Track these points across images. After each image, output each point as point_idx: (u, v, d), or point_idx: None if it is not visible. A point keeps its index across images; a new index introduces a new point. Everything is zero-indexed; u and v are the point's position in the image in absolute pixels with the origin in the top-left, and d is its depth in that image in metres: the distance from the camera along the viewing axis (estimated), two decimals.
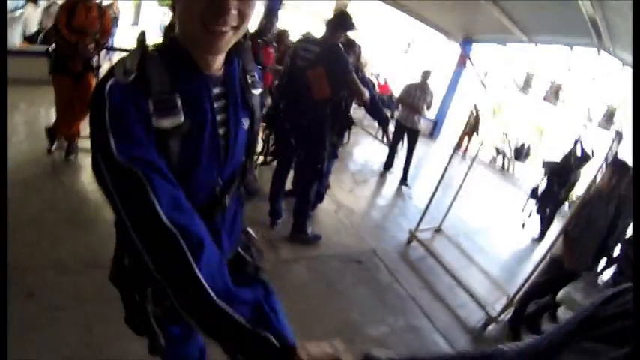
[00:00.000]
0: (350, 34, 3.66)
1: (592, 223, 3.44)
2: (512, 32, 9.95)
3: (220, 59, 0.96)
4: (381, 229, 4.83)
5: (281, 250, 3.69)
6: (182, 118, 0.86)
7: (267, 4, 7.41)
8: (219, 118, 0.96)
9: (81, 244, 2.87)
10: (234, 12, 0.81)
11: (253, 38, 4.28)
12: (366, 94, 3.59)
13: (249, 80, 1.06)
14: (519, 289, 3.86)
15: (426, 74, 6.73)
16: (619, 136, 3.81)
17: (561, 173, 5.80)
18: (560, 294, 3.80)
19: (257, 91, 1.08)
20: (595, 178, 3.76)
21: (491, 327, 3.73)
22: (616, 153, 3.77)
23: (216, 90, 0.95)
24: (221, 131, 0.97)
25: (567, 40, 9.78)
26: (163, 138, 0.84)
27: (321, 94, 3.37)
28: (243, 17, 0.84)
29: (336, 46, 3.42)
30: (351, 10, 9.10)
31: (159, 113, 0.83)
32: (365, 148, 8.51)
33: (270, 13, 5.17)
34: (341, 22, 3.49)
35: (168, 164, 0.84)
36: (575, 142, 5.60)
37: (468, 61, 11.61)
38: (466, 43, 11.80)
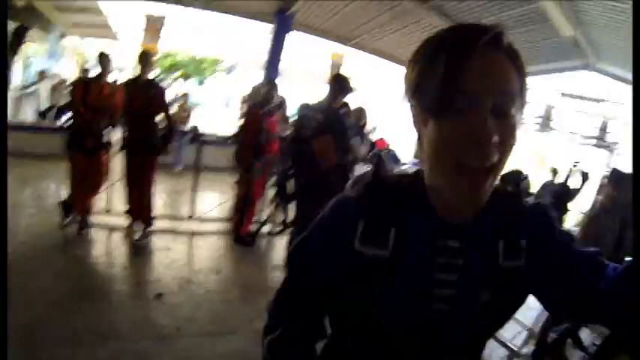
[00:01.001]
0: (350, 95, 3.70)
1: (601, 238, 3.36)
2: None
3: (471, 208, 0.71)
4: None
5: None
6: (387, 254, 0.71)
7: (265, 73, 7.88)
8: (443, 276, 0.73)
9: (94, 317, 2.91)
10: (495, 139, 0.61)
11: (256, 109, 4.47)
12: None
13: (503, 244, 0.75)
14: (537, 319, 3.64)
15: None
16: (613, 148, 3.96)
17: (563, 195, 5.83)
18: None
19: (512, 262, 0.75)
20: (598, 194, 3.75)
21: None
22: (613, 167, 3.80)
23: (449, 242, 0.73)
24: (443, 293, 0.73)
25: (554, 65, 9.95)
26: (368, 265, 0.72)
27: (326, 162, 3.40)
28: (504, 149, 0.64)
29: (339, 113, 3.45)
30: (346, 64, 9.63)
31: (364, 237, 0.72)
32: None
33: (270, 82, 5.38)
34: (341, 86, 3.52)
35: (365, 292, 0.74)
36: (576, 164, 5.66)
37: None
38: None
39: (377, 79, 15.22)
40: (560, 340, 3.74)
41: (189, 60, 17.41)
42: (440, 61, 0.62)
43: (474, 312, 0.73)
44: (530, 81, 0.67)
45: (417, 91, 0.68)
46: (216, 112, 14.32)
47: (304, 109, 3.62)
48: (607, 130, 7.65)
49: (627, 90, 9.30)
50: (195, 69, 17.71)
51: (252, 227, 4.76)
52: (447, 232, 0.72)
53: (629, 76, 7.62)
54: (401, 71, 8.77)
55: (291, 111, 5.94)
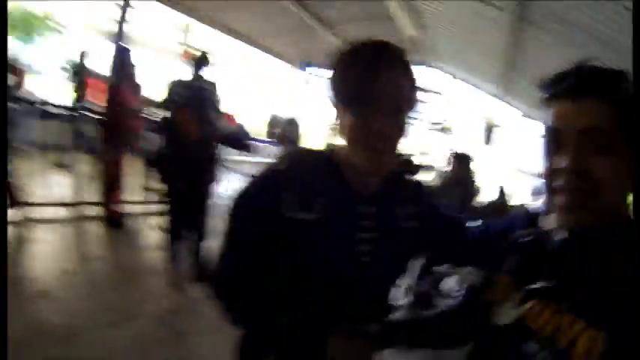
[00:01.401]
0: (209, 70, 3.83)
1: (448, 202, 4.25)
2: None
3: (374, 179, 0.96)
4: None
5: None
6: (313, 217, 0.88)
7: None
8: (360, 235, 0.93)
9: None
10: (391, 131, 0.88)
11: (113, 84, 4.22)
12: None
13: (402, 210, 1.00)
14: None
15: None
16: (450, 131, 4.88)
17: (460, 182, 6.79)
18: None
19: (409, 224, 0.99)
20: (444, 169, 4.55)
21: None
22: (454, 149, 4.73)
23: (364, 209, 0.95)
24: (361, 249, 0.93)
25: None
26: (297, 228, 0.88)
27: (189, 135, 3.51)
28: (398, 134, 0.90)
29: (200, 87, 3.63)
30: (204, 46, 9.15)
31: (294, 204, 0.88)
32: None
33: (123, 49, 4.88)
34: (201, 61, 3.70)
35: (290, 255, 0.89)
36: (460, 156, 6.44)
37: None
38: (305, 67, 12.48)
39: (226, 55, 14.88)
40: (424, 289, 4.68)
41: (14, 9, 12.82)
42: (356, 70, 0.86)
43: (385, 263, 0.90)
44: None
45: (340, 89, 0.90)
46: (52, 78, 11.60)
47: (173, 85, 3.63)
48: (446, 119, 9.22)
49: (459, 84, 11.08)
50: (22, 23, 13.56)
51: (121, 208, 4.44)
52: (362, 200, 0.95)
53: (459, 73, 9.14)
54: (250, 49, 8.69)
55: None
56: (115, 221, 4.21)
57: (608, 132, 0.67)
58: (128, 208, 4.67)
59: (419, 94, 0.95)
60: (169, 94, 3.61)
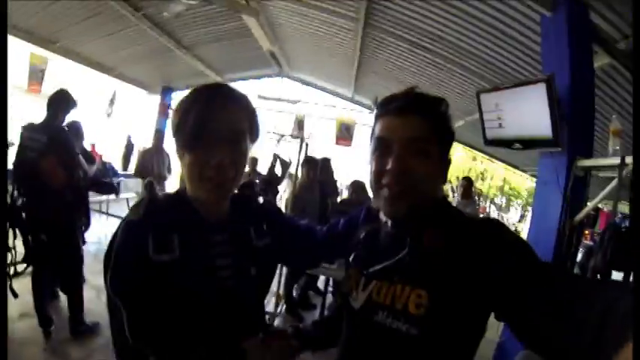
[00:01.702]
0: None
1: (307, 206, 4.52)
2: (207, 74, 10.88)
3: (222, 208, 1.07)
4: None
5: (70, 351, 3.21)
6: (177, 255, 0.94)
7: None
8: (220, 262, 1.02)
9: None
10: (228, 162, 0.95)
11: None
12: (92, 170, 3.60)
13: (253, 231, 1.10)
14: (279, 283, 4.41)
15: (157, 135, 6.77)
16: (305, 140, 5.15)
17: (271, 182, 6.89)
18: None
19: (262, 242, 1.11)
20: (296, 176, 4.80)
21: (276, 323, 4.17)
22: (306, 153, 5.07)
23: (217, 237, 1.03)
24: (224, 274, 1.01)
25: (255, 73, 11.50)
26: (162, 269, 0.92)
27: (55, 183, 3.20)
28: (237, 167, 0.98)
29: (63, 132, 3.34)
30: (49, 68, 8.23)
31: (158, 249, 0.92)
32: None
33: None
34: (65, 102, 3.38)
35: (169, 293, 0.93)
36: (275, 156, 6.68)
37: (170, 110, 11.94)
38: (166, 92, 12.24)
39: (82, 87, 13.67)
40: (303, 293, 4.79)
41: None
42: (191, 115, 0.95)
43: (248, 281, 1.06)
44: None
45: (177, 133, 0.99)
46: None
47: (27, 130, 3.27)
48: (302, 126, 9.51)
49: (315, 93, 11.68)
50: None
51: None
52: (213, 229, 1.04)
53: (315, 81, 9.63)
54: (106, 79, 8.15)
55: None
56: None
57: (425, 140, 0.89)
58: None
59: (260, 123, 1.07)
60: (21, 140, 3.25)
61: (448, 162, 0.96)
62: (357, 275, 1.00)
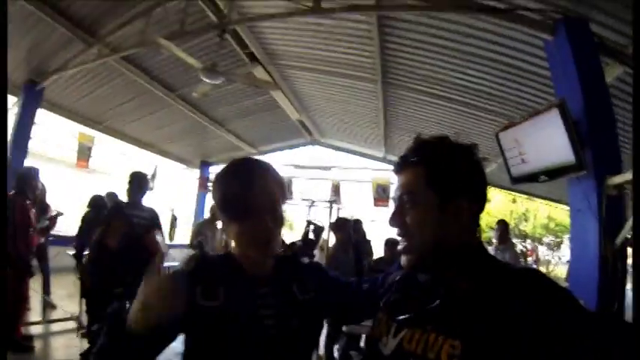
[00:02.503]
0: None
1: (342, 267, 4.44)
2: (242, 148, 11.41)
3: (267, 265, 1.16)
4: None
5: None
6: (219, 304, 1.03)
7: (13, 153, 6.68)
8: (264, 311, 1.08)
9: None
10: (271, 225, 1.09)
11: (22, 199, 3.86)
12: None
13: (296, 286, 1.17)
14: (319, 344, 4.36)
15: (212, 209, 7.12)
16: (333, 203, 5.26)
17: (306, 246, 6.92)
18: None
19: (305, 296, 1.16)
20: (328, 239, 4.90)
21: None
22: (337, 216, 5.13)
23: (262, 290, 1.11)
24: (267, 322, 1.07)
25: (287, 143, 11.93)
26: (206, 314, 1.02)
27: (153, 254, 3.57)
28: (278, 229, 1.13)
29: (154, 211, 3.85)
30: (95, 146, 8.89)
31: (205, 296, 1.03)
32: None
33: (32, 168, 4.62)
34: (144, 182, 3.82)
35: (214, 342, 1.03)
36: (308, 222, 6.75)
37: (209, 184, 12.44)
38: (204, 166, 12.79)
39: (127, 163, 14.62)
40: (345, 353, 4.70)
41: None
42: (232, 190, 1.09)
43: (294, 333, 1.10)
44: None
45: (223, 207, 1.11)
46: None
47: (128, 208, 3.69)
48: (339, 191, 9.70)
49: (347, 157, 11.90)
50: None
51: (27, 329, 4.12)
52: (258, 284, 1.12)
53: (346, 145, 9.84)
54: (145, 154, 8.66)
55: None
56: (20, 345, 3.79)
57: (415, 191, 0.91)
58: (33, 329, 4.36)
59: (289, 188, 1.23)
60: (127, 216, 3.61)
61: (463, 208, 0.90)
62: (387, 321, 0.98)
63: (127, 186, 3.69)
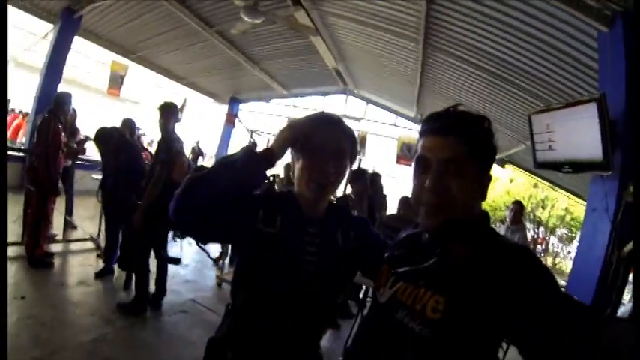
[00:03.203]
0: None
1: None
2: (274, 88, 11.45)
3: (320, 208, 1.27)
4: (190, 282, 4.94)
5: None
6: (275, 230, 1.18)
7: (46, 77, 6.94)
8: (309, 248, 1.22)
9: None
10: (332, 171, 1.20)
11: (55, 121, 4.03)
12: None
13: (340, 233, 1.28)
14: None
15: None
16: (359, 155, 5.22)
17: None
18: None
19: (346, 244, 1.27)
20: (346, 187, 4.89)
21: None
22: (358, 167, 5.13)
23: (310, 229, 1.24)
24: (309, 258, 1.21)
25: (320, 89, 11.87)
26: (263, 237, 1.18)
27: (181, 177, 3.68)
28: (337, 176, 1.23)
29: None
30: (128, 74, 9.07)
31: (263, 220, 1.19)
32: None
33: (65, 93, 4.74)
34: (174, 111, 3.83)
35: (260, 265, 1.19)
36: None
37: (236, 120, 12.53)
38: (233, 102, 12.90)
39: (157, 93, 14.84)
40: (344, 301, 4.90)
41: None
42: (309, 130, 1.17)
43: (329, 272, 1.23)
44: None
45: (294, 144, 1.19)
46: None
47: (178, 142, 3.79)
48: (365, 144, 9.73)
49: (378, 111, 11.81)
50: None
51: (47, 247, 4.35)
52: (309, 223, 1.24)
53: (378, 99, 9.72)
54: (176, 86, 8.78)
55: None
56: (41, 260, 4.06)
57: (461, 161, 0.93)
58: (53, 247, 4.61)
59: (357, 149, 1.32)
60: (171, 142, 3.71)
61: (488, 180, 0.99)
62: (387, 273, 1.07)
63: (159, 117, 3.71)
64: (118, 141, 4.33)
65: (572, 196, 9.09)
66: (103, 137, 4.37)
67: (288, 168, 7.15)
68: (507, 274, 0.85)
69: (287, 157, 1.25)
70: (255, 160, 1.10)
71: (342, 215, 1.34)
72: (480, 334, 0.85)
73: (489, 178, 0.99)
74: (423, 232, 1.07)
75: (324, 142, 1.19)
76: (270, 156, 1.12)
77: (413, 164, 1.02)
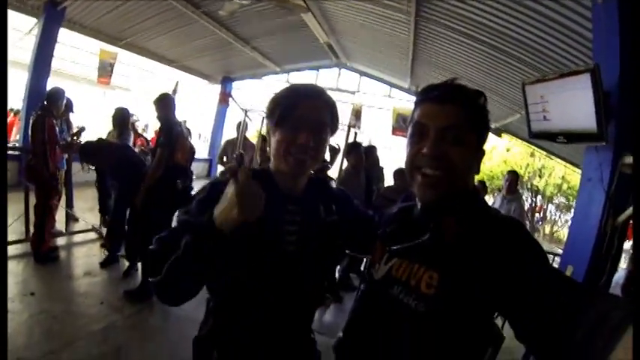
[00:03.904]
0: None
1: (353, 192, 4.56)
2: (266, 66, 11.36)
3: (299, 184, 1.20)
4: None
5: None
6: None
7: (33, 73, 6.87)
8: (288, 227, 1.15)
9: None
10: (311, 144, 1.10)
11: (49, 117, 4.05)
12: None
13: (322, 208, 1.22)
14: None
15: (238, 125, 7.17)
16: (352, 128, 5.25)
17: (321, 168, 7.03)
18: None
19: (329, 219, 1.22)
20: (342, 161, 4.98)
21: None
22: (354, 140, 5.29)
23: (290, 207, 1.17)
24: (290, 239, 1.14)
25: (313, 64, 11.82)
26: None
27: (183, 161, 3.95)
28: (316, 150, 1.13)
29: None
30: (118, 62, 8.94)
31: None
32: None
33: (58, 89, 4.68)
34: (172, 103, 3.95)
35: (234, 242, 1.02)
36: None
37: (230, 99, 12.43)
38: (226, 82, 12.80)
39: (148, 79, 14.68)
40: (345, 275, 4.98)
41: None
42: (285, 101, 1.12)
43: (311, 250, 1.17)
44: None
45: (271, 115, 1.13)
46: None
47: (178, 125, 3.95)
48: (360, 116, 9.72)
49: (372, 83, 11.80)
50: None
51: (53, 241, 4.42)
52: (288, 200, 1.17)
53: (372, 72, 9.64)
54: (167, 70, 8.87)
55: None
56: (47, 255, 4.11)
57: (461, 129, 0.93)
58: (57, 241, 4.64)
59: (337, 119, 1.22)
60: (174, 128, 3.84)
61: (482, 153, 1.00)
62: (382, 249, 1.07)
63: (156, 110, 3.81)
64: (109, 155, 4.19)
65: (568, 165, 9.15)
66: (93, 151, 4.20)
67: (264, 140, 7.17)
68: (499, 248, 0.86)
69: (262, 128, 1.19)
70: (198, 253, 0.95)
71: (321, 188, 1.29)
72: (473, 309, 0.87)
73: (483, 153, 1.00)
74: (415, 205, 1.07)
75: (303, 114, 1.11)
76: (215, 236, 0.94)
77: (409, 131, 1.01)
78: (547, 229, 16.24)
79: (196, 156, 5.28)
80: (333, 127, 1.20)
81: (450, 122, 0.93)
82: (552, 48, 4.67)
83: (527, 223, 15.65)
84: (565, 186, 15.62)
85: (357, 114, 9.83)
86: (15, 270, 3.80)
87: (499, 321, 0.97)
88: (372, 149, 5.53)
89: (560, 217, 16.76)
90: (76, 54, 12.48)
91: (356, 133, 8.24)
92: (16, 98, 8.09)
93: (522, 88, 3.50)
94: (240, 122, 6.97)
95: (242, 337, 1.14)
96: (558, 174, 15.48)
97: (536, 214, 16.13)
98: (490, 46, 5.58)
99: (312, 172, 1.22)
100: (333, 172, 7.60)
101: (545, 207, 16.77)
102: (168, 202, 3.65)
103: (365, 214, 1.36)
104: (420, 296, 0.92)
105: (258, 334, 1.13)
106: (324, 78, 12.26)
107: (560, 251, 3.58)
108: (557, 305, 0.75)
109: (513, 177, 5.55)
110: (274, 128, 1.14)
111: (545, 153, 9.56)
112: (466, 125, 0.93)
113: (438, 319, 0.89)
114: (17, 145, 7.28)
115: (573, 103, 2.98)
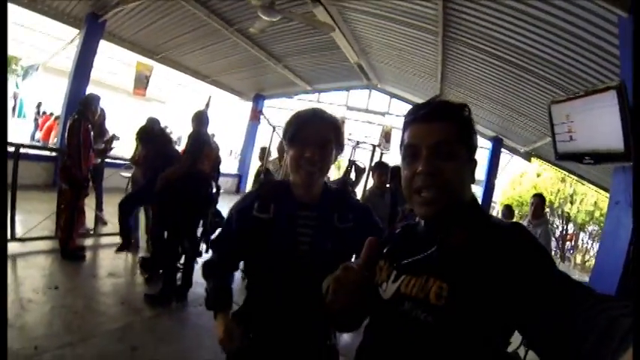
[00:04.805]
0: None
1: (377, 211, 4.49)
2: (298, 84, 11.56)
3: (313, 193, 1.41)
4: None
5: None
6: (269, 217, 1.36)
7: (73, 81, 7.25)
8: (302, 231, 1.36)
9: None
10: (317, 158, 1.32)
11: (85, 122, 4.28)
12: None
13: (336, 216, 1.40)
14: None
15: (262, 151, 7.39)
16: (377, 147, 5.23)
17: (346, 186, 7.05)
18: None
19: (343, 225, 1.39)
20: (367, 181, 4.91)
21: None
22: (379, 160, 5.19)
23: (304, 213, 1.38)
24: (303, 239, 1.36)
25: (343, 84, 11.90)
26: (259, 224, 1.35)
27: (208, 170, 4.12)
28: (322, 163, 1.35)
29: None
30: (153, 75, 9.31)
31: (260, 209, 1.37)
32: None
33: (93, 95, 4.96)
34: (206, 119, 4.20)
35: (259, 240, 1.35)
36: (350, 162, 6.85)
37: (261, 116, 12.64)
38: (258, 99, 13.04)
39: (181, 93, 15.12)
40: None
41: None
42: (295, 124, 1.36)
43: (323, 250, 1.34)
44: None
45: (285, 135, 1.37)
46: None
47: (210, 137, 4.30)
48: (389, 138, 9.69)
49: (400, 104, 11.80)
50: None
51: (80, 241, 4.57)
52: (303, 207, 1.38)
53: (402, 93, 9.63)
54: (202, 84, 9.41)
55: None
56: (74, 253, 4.26)
57: (451, 143, 0.95)
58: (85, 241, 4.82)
59: (345, 137, 1.49)
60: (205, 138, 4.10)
61: (475, 163, 1.01)
62: (388, 268, 1.06)
63: (192, 124, 4.08)
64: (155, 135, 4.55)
65: (599, 190, 8.83)
66: (145, 134, 4.55)
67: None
68: (505, 254, 0.86)
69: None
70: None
71: (339, 199, 1.46)
72: (483, 317, 0.86)
73: (476, 163, 1.02)
74: (419, 222, 1.08)
75: (308, 133, 1.33)
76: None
77: (401, 154, 1.03)
78: (578, 259, 15.61)
79: (226, 171, 5.40)
80: (338, 143, 1.41)
81: (440, 138, 0.95)
82: (579, 66, 4.60)
83: (556, 249, 15.10)
84: (597, 213, 15.04)
85: (386, 136, 9.80)
86: (42, 264, 3.95)
87: (522, 351, 0.94)
88: (398, 170, 5.48)
89: (592, 245, 16.09)
90: (114, 65, 13.03)
91: (382, 153, 8.22)
92: (56, 104, 8.47)
93: (548, 107, 3.45)
94: (263, 147, 7.11)
95: (266, 314, 1.38)
96: (590, 200, 14.95)
97: (567, 243, 15.52)
98: (517, 65, 5.54)
99: (333, 184, 1.47)
100: (358, 191, 7.62)
101: (576, 235, 16.16)
102: (190, 208, 3.75)
103: (383, 229, 1.47)
104: (430, 308, 0.91)
105: (281, 319, 1.36)
106: (355, 98, 12.38)
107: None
108: (566, 310, 0.73)
109: (539, 201, 5.35)
110: (288, 147, 1.38)
111: (575, 177, 9.27)
112: (456, 139, 0.95)
113: (447, 331, 0.88)
114: (55, 147, 7.64)
115: (599, 122, 2.92)
